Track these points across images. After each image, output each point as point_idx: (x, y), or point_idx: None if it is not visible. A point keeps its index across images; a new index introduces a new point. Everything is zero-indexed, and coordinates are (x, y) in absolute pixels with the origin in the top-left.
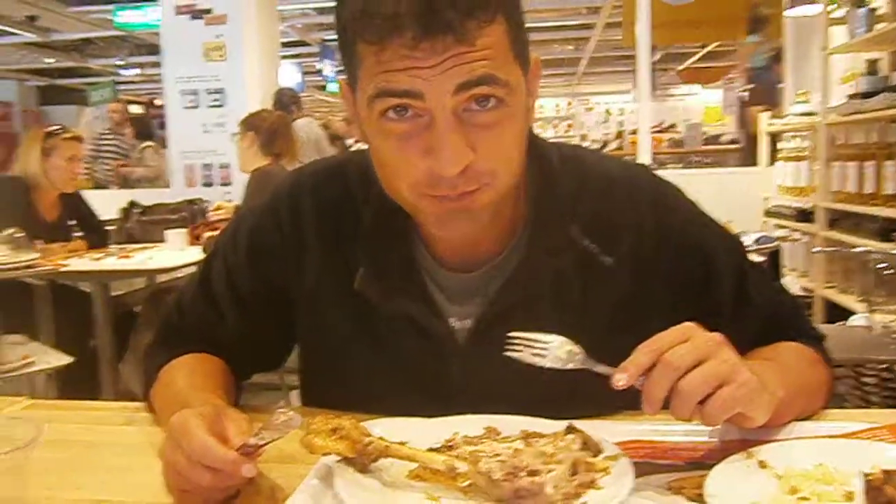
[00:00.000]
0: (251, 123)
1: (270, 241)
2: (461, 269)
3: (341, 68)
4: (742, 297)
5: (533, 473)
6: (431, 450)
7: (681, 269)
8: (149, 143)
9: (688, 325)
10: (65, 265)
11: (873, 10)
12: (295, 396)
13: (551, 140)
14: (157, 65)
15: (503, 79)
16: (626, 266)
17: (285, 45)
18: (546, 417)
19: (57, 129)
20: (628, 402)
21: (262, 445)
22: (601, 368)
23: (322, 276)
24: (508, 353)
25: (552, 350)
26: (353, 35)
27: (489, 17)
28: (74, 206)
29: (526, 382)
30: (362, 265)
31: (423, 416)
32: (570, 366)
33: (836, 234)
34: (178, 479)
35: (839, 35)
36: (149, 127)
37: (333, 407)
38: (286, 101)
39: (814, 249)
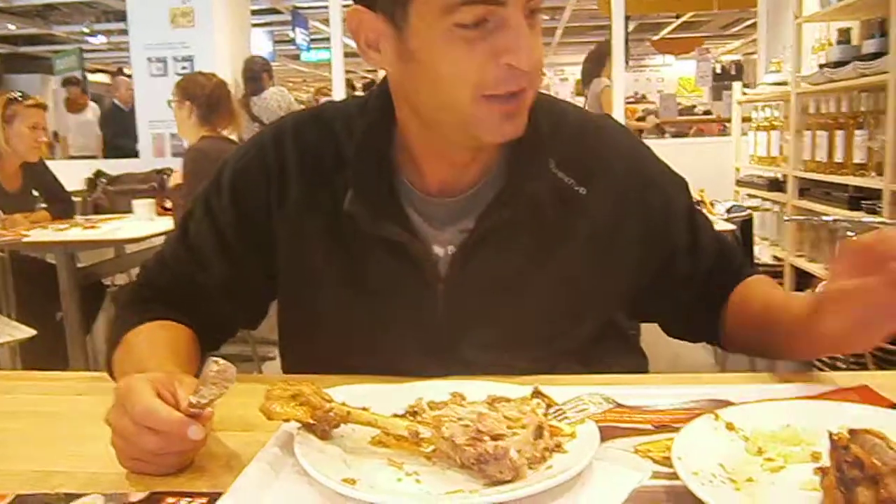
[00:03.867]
0: (187, 91)
1: (255, 181)
2: (442, 198)
3: (315, 37)
4: (694, 231)
5: (497, 438)
6: (395, 416)
7: (645, 207)
8: None
9: None
10: (27, 235)
11: None
12: (267, 368)
13: None
14: (124, 32)
15: None
16: (600, 198)
17: (255, 12)
18: (526, 347)
19: (18, 96)
20: (609, 348)
21: (205, 404)
22: None
23: (304, 214)
24: None
25: None
26: None
27: None
28: (38, 176)
29: (508, 312)
30: (350, 188)
31: (408, 349)
32: None
33: (806, 204)
34: (125, 446)
35: (811, 4)
36: None
37: (315, 352)
38: (257, 70)
39: (784, 218)
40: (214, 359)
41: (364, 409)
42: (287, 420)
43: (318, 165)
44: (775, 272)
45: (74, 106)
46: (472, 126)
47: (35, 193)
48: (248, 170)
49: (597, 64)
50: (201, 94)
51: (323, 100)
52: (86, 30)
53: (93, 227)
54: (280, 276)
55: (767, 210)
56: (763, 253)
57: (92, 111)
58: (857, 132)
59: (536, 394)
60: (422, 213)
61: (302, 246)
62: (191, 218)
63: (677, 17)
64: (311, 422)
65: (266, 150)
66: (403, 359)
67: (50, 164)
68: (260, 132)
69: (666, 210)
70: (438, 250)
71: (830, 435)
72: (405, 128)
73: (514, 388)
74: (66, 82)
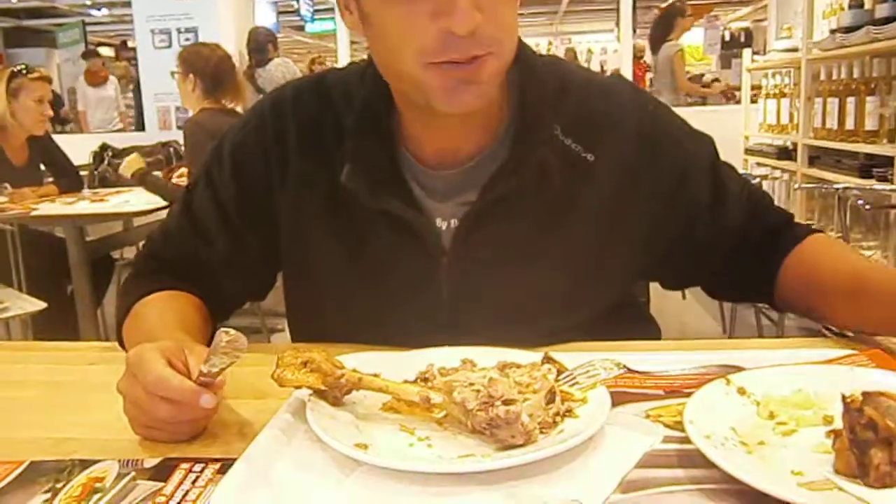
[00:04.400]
0: (192, 63)
1: (254, 154)
2: (443, 169)
3: (319, 7)
4: (719, 186)
5: (508, 402)
6: (406, 382)
7: (659, 166)
8: None
9: None
10: (35, 209)
11: None
12: (276, 339)
13: None
14: (127, 4)
15: None
16: (607, 163)
17: None
18: (534, 321)
19: (23, 69)
20: (622, 318)
21: (216, 373)
22: None
23: (303, 187)
24: None
25: None
26: None
27: None
28: (45, 149)
29: (515, 285)
30: (348, 162)
31: (412, 325)
32: None
33: (816, 172)
34: (138, 414)
35: None
36: None
37: (321, 329)
38: (262, 41)
39: (794, 187)
40: (225, 329)
41: (375, 375)
42: (299, 387)
43: (317, 137)
44: None
45: (96, 79)
46: (426, 95)
47: (42, 167)
48: (247, 142)
49: (665, 27)
50: (205, 67)
51: (317, 69)
52: (88, 2)
53: (101, 200)
54: (282, 249)
55: (777, 178)
56: None
57: (113, 85)
58: (868, 99)
59: (547, 359)
60: (423, 186)
61: (302, 220)
62: (194, 190)
63: None
64: (323, 388)
65: (265, 121)
66: (408, 334)
67: (61, 138)
68: (260, 101)
69: (684, 168)
70: (441, 223)
71: (843, 397)
72: (395, 97)
73: (524, 354)
74: (88, 55)
